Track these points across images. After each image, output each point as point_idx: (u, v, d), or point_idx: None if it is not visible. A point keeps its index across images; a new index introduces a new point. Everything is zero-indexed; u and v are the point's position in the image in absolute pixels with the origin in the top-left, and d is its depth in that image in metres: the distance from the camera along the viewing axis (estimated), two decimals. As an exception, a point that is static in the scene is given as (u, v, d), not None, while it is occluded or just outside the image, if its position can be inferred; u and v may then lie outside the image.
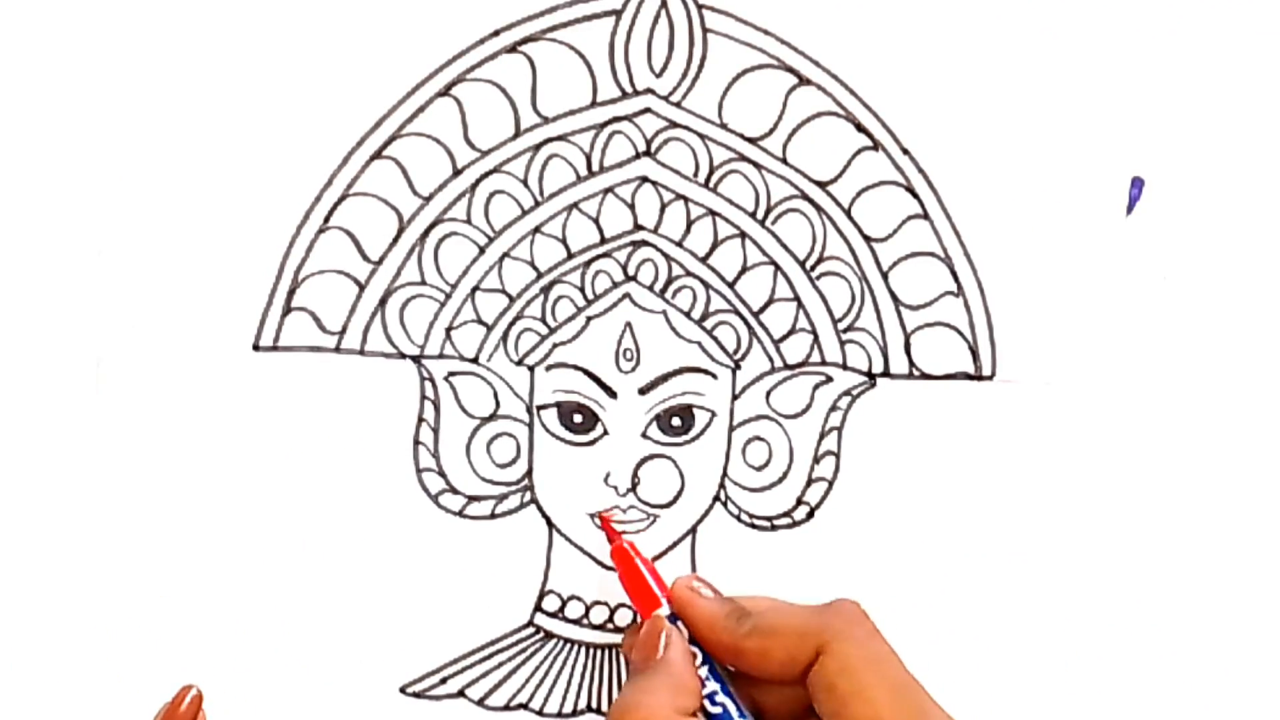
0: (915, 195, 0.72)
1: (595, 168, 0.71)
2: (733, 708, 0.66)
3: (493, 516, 0.72)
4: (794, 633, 0.65)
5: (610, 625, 0.72)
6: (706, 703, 0.66)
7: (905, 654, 0.65)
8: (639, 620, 0.69)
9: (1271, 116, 0.73)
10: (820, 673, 0.64)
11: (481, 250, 0.71)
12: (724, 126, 0.71)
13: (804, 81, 0.71)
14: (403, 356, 0.71)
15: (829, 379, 0.72)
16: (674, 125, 0.71)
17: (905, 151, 0.72)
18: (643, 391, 0.72)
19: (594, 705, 0.72)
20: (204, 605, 0.70)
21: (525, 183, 0.71)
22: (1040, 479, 0.72)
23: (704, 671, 0.67)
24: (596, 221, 0.71)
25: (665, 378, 0.72)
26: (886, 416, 0.72)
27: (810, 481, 0.72)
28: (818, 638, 0.64)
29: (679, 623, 0.67)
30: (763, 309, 0.72)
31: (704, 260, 0.72)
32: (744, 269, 0.72)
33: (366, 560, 0.71)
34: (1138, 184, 0.73)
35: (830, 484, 0.72)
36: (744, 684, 0.67)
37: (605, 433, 0.72)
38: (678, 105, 0.71)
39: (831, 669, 0.64)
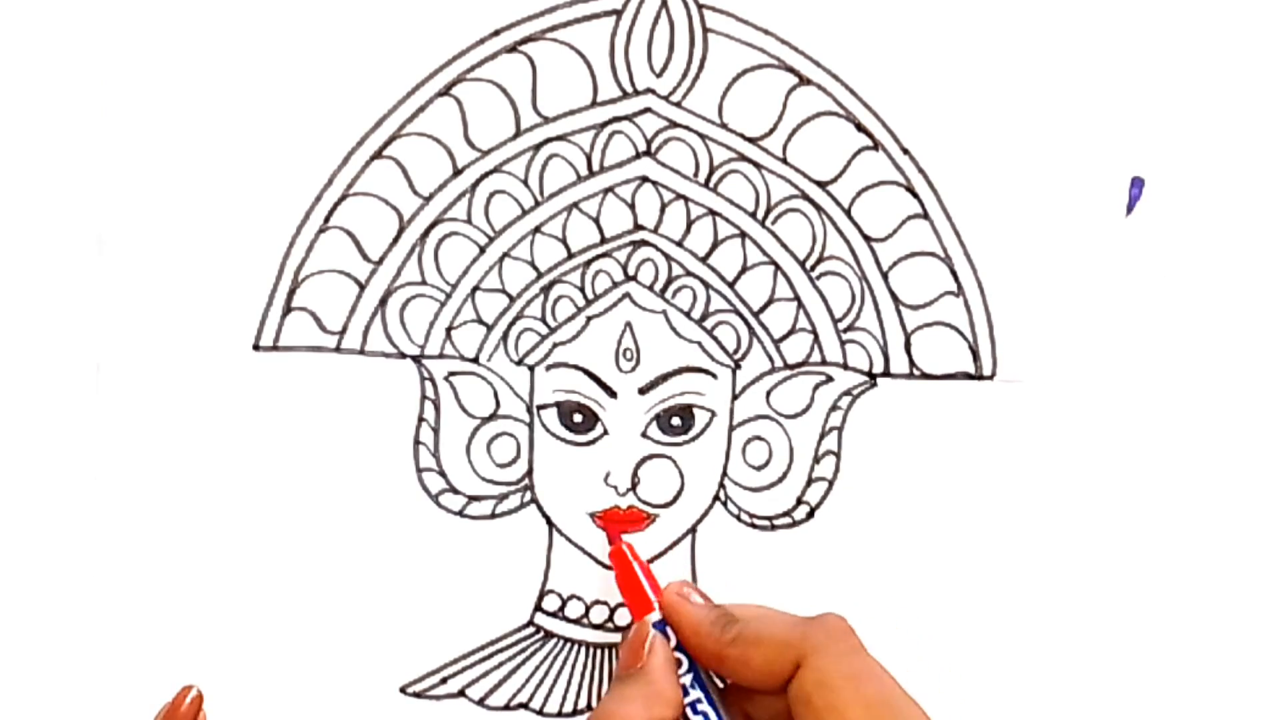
0: (915, 195, 0.72)
1: (595, 167, 0.71)
2: (714, 717, 0.66)
3: (493, 516, 0.72)
4: (775, 643, 0.65)
5: (610, 625, 0.72)
6: (689, 711, 0.66)
7: (905, 654, 0.66)
8: (633, 623, 0.69)
9: (1271, 116, 0.73)
10: (799, 685, 0.64)
11: (482, 250, 0.71)
12: (724, 126, 0.71)
13: (804, 81, 0.72)
14: (403, 356, 0.71)
15: (829, 379, 0.72)
16: (674, 125, 0.71)
17: (905, 151, 0.72)
18: (643, 391, 0.72)
19: (594, 705, 0.72)
20: (204, 605, 0.70)
21: (525, 182, 0.71)
22: (1040, 479, 0.72)
23: (688, 680, 0.67)
24: (596, 221, 0.71)
25: (665, 377, 0.72)
26: (887, 416, 0.72)
27: (810, 481, 0.72)
28: (798, 650, 0.64)
29: (668, 629, 0.67)
30: (763, 309, 0.72)
31: (704, 260, 0.72)
32: (744, 269, 0.72)
33: (367, 560, 0.71)
34: (1138, 184, 0.73)
35: (830, 484, 0.72)
36: (734, 693, 0.67)
37: (605, 432, 0.72)
38: (678, 105, 0.71)
39: (809, 682, 0.64)
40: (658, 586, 0.69)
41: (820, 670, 0.64)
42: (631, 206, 0.72)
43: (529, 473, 0.72)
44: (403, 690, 0.71)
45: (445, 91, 0.71)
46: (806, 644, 0.64)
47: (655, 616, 0.68)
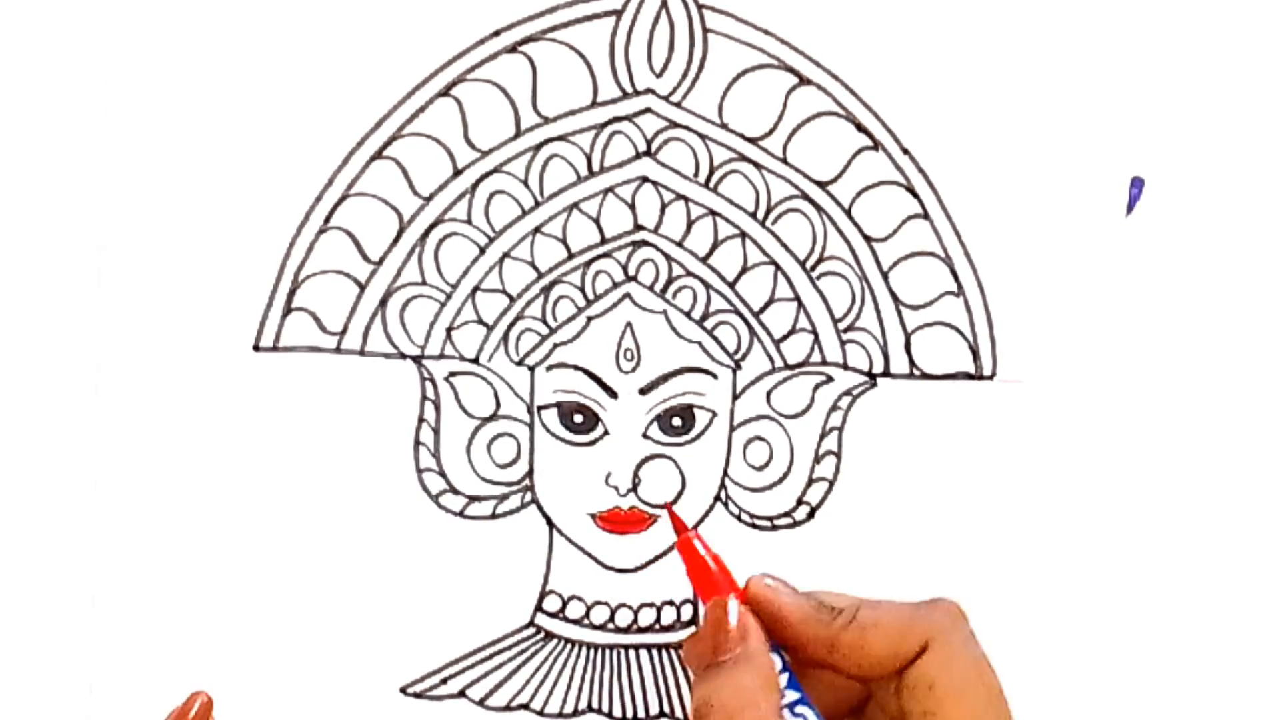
0: (915, 195, 0.72)
1: (595, 168, 0.71)
2: (813, 717, 0.64)
3: (493, 517, 0.72)
4: (897, 626, 0.64)
5: (611, 625, 0.72)
6: (786, 712, 0.63)
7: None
8: (702, 614, 0.66)
9: (1271, 116, 0.73)
10: (922, 669, 0.63)
11: (482, 250, 0.71)
12: (724, 126, 0.71)
13: (804, 81, 0.72)
14: (403, 357, 0.71)
15: (829, 379, 0.72)
16: (674, 125, 0.71)
17: (905, 151, 0.72)
18: (643, 391, 0.72)
19: (594, 705, 0.72)
20: (205, 606, 0.70)
21: (525, 183, 0.71)
22: (1040, 479, 0.72)
23: (784, 679, 0.64)
24: (597, 221, 0.71)
25: (666, 378, 0.72)
26: (887, 416, 0.72)
27: (811, 481, 0.72)
28: (924, 633, 0.63)
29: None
30: (763, 309, 0.72)
31: (704, 260, 0.72)
32: (744, 269, 0.72)
33: (367, 560, 0.71)
34: (1138, 184, 0.73)
35: (831, 484, 0.72)
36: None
37: (606, 433, 0.72)
38: (678, 105, 0.71)
39: (935, 665, 0.63)
40: (732, 577, 0.67)
41: (948, 655, 0.63)
42: (631, 207, 0.72)
43: (529, 473, 0.72)
44: (403, 690, 0.71)
45: (445, 92, 0.71)
46: (934, 628, 0.63)
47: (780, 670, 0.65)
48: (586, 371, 0.72)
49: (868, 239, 0.72)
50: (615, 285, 0.72)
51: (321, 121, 0.70)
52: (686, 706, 0.72)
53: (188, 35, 0.70)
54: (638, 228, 0.72)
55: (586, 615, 0.72)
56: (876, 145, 0.72)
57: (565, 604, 0.72)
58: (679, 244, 0.72)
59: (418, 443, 0.71)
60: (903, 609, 0.64)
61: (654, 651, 0.73)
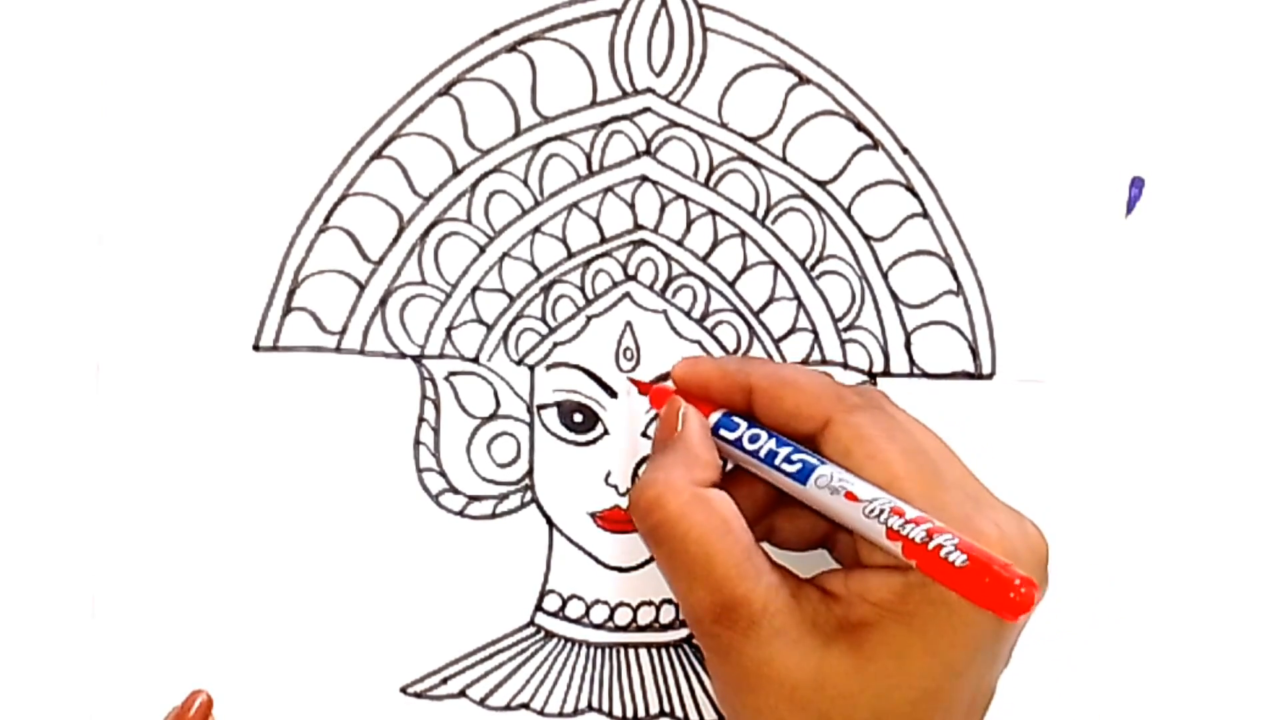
0: (915, 194, 0.72)
1: (595, 167, 0.71)
2: (765, 436, 0.66)
3: (493, 516, 0.72)
4: (810, 389, 0.66)
5: (611, 624, 0.72)
6: (746, 441, 0.66)
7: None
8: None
9: (1271, 116, 0.73)
10: (835, 436, 0.64)
11: (482, 250, 0.71)
12: (724, 126, 0.71)
13: (804, 80, 0.72)
14: (403, 356, 0.71)
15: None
16: (674, 124, 0.71)
17: (905, 151, 0.72)
18: (643, 391, 0.72)
19: (595, 705, 0.72)
20: (205, 606, 0.70)
21: (525, 182, 0.71)
22: (1040, 478, 0.72)
23: (744, 424, 0.66)
24: (596, 221, 0.71)
25: (666, 377, 0.72)
26: (887, 416, 0.72)
27: (811, 481, 0.72)
28: (834, 397, 0.65)
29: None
30: (763, 308, 0.72)
31: (704, 259, 0.72)
32: (744, 268, 0.72)
33: (367, 560, 0.71)
34: (1138, 184, 0.73)
35: (831, 483, 0.72)
36: (764, 512, 0.67)
37: (606, 432, 0.72)
38: (678, 104, 0.71)
39: (846, 434, 0.64)
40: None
41: (857, 422, 0.64)
42: (631, 206, 0.72)
43: (529, 473, 0.72)
44: (403, 690, 0.71)
45: (445, 91, 0.71)
46: (843, 398, 0.65)
47: (716, 416, 0.67)
48: (586, 371, 0.72)
49: (867, 238, 0.72)
50: (615, 285, 0.72)
51: (321, 121, 0.70)
52: (687, 705, 0.73)
53: (188, 34, 0.70)
54: (637, 227, 0.72)
55: (586, 614, 0.72)
56: (876, 144, 0.72)
57: (565, 603, 0.72)
58: (679, 243, 0.72)
59: (418, 442, 0.71)
60: (819, 377, 0.67)
61: (654, 650, 0.73)
